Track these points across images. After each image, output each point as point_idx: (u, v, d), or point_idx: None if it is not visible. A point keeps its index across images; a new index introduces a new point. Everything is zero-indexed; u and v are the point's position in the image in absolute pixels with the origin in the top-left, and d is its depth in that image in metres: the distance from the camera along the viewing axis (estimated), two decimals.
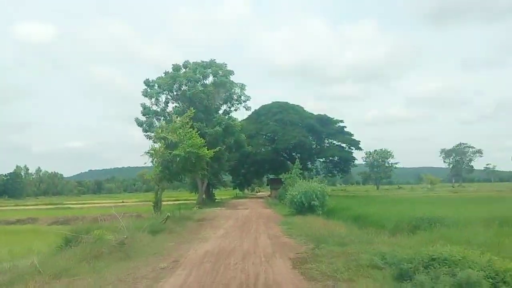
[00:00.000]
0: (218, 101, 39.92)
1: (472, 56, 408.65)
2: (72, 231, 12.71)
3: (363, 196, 59.94)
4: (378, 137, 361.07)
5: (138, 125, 37.49)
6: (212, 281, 8.46)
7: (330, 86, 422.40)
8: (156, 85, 38.39)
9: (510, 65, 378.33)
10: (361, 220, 20.92)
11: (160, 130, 23.15)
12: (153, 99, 38.09)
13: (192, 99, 36.80)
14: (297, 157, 64.36)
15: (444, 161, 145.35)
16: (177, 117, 27.69)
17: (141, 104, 38.47)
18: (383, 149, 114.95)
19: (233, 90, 39.69)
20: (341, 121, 62.62)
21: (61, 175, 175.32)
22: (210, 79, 39.18)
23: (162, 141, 22.49)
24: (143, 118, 37.97)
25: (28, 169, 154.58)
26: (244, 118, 44.91)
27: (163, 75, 38.92)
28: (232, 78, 40.35)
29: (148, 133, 38.38)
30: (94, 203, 74.12)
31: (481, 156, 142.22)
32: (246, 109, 40.99)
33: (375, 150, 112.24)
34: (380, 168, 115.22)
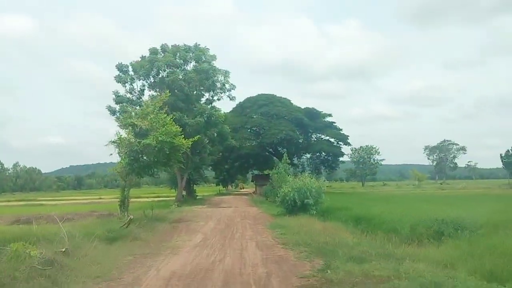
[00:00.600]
0: (200, 89, 36.18)
1: (453, 56, 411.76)
2: None
3: (351, 193, 56.95)
4: (361, 134, 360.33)
5: (111, 113, 33.49)
6: None
7: (314, 84, 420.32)
8: (130, 69, 34.48)
9: (490, 65, 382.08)
10: (364, 222, 17.56)
11: (127, 115, 19.37)
12: (127, 86, 34.18)
13: (171, 86, 33.01)
14: (283, 152, 61.24)
15: (428, 158, 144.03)
16: (149, 99, 24.04)
17: (113, 91, 34.52)
18: (369, 146, 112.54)
19: (216, 78, 35.98)
20: (330, 115, 59.57)
21: (39, 170, 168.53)
22: (191, 65, 35.41)
23: (130, 128, 18.75)
24: (116, 107, 33.98)
25: (3, 164, 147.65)
26: (228, 111, 41.03)
27: (139, 59, 35.03)
28: (215, 64, 36.65)
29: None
30: (70, 200, 69.66)
31: (464, 153, 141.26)
32: (231, 99, 37.43)
33: (361, 147, 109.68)
34: (366, 165, 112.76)
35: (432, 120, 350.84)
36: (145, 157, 18.83)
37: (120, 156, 18.78)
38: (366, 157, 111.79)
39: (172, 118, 19.94)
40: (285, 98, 59.02)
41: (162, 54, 34.78)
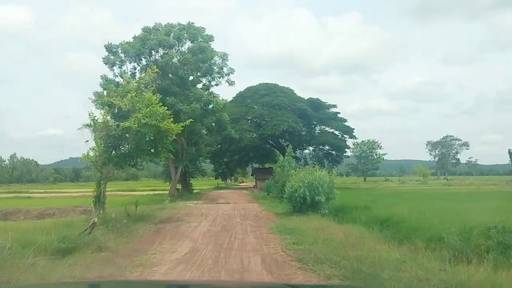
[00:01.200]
0: (196, 75, 32.64)
1: (453, 52, 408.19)
2: None
3: (355, 188, 53.49)
4: (361, 129, 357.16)
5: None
6: None
7: (314, 78, 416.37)
8: (120, 50, 30.92)
9: (490, 61, 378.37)
10: (392, 226, 14.12)
11: (104, 93, 15.83)
12: (115, 69, 30.66)
13: (164, 68, 29.49)
14: (285, 144, 57.77)
15: (430, 154, 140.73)
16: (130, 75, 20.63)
17: (101, 75, 30.97)
18: (371, 140, 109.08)
19: (213, 61, 32.42)
20: (335, 106, 56.03)
21: (36, 162, 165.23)
22: (186, 46, 31.83)
23: (107, 108, 15.27)
24: (104, 92, 30.38)
25: (1, 156, 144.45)
26: (228, 100, 37.17)
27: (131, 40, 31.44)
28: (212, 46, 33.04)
29: None
30: (63, 192, 66.22)
31: (467, 149, 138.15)
32: (229, 84, 33.82)
33: (362, 141, 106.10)
34: (368, 160, 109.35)
35: (431, 115, 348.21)
36: (125, 144, 15.38)
37: (96, 142, 15.30)
38: (368, 151, 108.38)
39: (158, 99, 16.36)
40: (288, 88, 55.53)
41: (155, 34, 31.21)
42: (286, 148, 58.17)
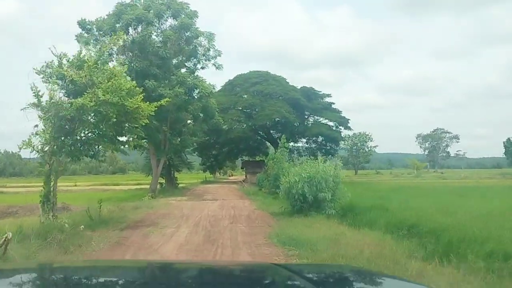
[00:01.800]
0: (180, 57, 29.03)
1: (443, 46, 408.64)
2: None
3: (349, 182, 50.46)
4: (352, 123, 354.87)
5: None
6: None
7: (305, 72, 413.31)
8: (95, 28, 27.16)
9: (480, 55, 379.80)
10: (424, 234, 10.83)
11: (56, 64, 12.20)
12: (90, 48, 26.74)
13: (142, 47, 25.89)
14: (276, 136, 54.42)
15: (421, 147, 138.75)
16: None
17: (75, 56, 27.08)
18: (362, 133, 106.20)
19: (198, 41, 28.84)
20: (329, 96, 52.71)
21: (19, 155, 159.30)
22: (168, 24, 28.18)
23: (58, 82, 11.68)
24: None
25: None
26: (215, 85, 33.32)
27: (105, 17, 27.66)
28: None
29: None
30: (41, 186, 62.25)
31: (457, 142, 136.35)
32: (217, 68, 30.17)
33: (354, 133, 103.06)
34: (359, 152, 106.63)
35: (421, 109, 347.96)
36: (79, 127, 11.83)
37: (44, 126, 11.72)
38: (359, 144, 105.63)
39: (124, 71, 12.85)
40: (280, 76, 52.01)
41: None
42: (277, 140, 54.85)
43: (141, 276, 2.23)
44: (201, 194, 31.02)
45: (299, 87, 51.78)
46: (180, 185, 43.25)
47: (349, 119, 51.64)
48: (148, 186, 39.09)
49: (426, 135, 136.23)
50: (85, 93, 11.20)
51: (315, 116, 51.99)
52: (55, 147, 11.51)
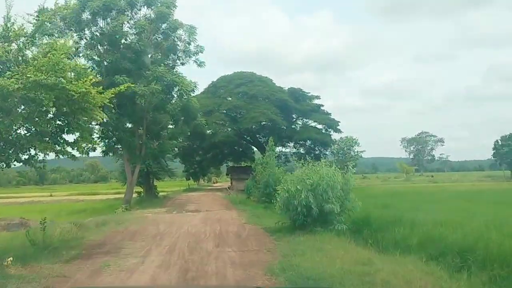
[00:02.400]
0: (156, 49, 25.74)
1: (423, 50, 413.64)
2: None
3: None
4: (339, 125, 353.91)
5: None
6: None
7: (288, 76, 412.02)
8: (59, 19, 23.60)
9: (459, 58, 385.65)
10: (490, 266, 7.70)
11: None
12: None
13: (114, 40, 22.56)
14: (263, 140, 51.26)
15: (406, 150, 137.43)
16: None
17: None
18: (349, 137, 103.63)
19: (177, 34, 25.64)
20: (317, 97, 49.88)
21: None
22: (142, 13, 24.84)
23: None
24: None
25: None
26: (197, 83, 29.50)
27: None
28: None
29: None
30: (14, 197, 57.63)
31: (442, 145, 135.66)
32: (199, 65, 26.96)
33: (340, 138, 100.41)
34: (346, 157, 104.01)
35: (403, 113, 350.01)
36: (9, 124, 8.45)
37: None
38: (346, 148, 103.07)
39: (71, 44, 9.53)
40: (266, 77, 49.02)
41: None
42: (264, 144, 51.80)
43: None
44: (182, 204, 27.59)
45: (286, 88, 48.85)
46: (161, 193, 39.69)
47: (339, 121, 48.91)
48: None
49: (411, 139, 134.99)
50: (8, 71, 7.85)
51: (304, 119, 49.08)
52: None
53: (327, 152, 54.69)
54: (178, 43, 26.40)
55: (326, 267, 7.52)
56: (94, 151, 25.68)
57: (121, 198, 36.38)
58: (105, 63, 23.71)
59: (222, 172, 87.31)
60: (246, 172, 47.54)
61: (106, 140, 24.90)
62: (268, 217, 17.90)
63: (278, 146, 49.19)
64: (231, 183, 50.16)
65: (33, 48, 8.71)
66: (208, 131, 45.31)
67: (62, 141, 9.55)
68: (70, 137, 9.90)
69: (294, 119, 50.17)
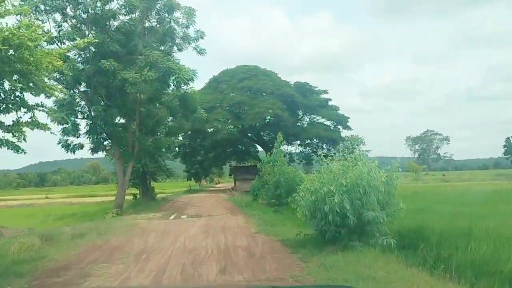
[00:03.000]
0: (150, 34, 22.69)
1: (424, 50, 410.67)
2: None
3: None
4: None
5: None
6: None
7: (289, 77, 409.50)
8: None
9: (460, 58, 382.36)
10: None
11: None
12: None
13: (99, 18, 19.49)
14: (267, 138, 48.16)
15: (411, 149, 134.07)
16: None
17: None
18: (354, 135, 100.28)
19: (174, 17, 22.60)
20: (325, 92, 46.65)
21: None
22: None
23: None
24: None
25: None
26: (197, 71, 25.89)
27: None
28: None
29: None
30: (7, 199, 54.66)
31: (447, 143, 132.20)
32: (199, 52, 23.81)
33: (346, 136, 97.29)
34: (352, 156, 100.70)
35: (403, 113, 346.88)
36: None
37: None
38: (351, 147, 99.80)
39: None
40: (271, 71, 45.84)
41: None
42: (268, 143, 48.68)
43: None
44: (182, 208, 24.49)
45: (292, 83, 45.69)
46: (160, 195, 36.61)
47: (348, 117, 45.65)
48: (126, 198, 31.91)
49: (416, 137, 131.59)
50: None
51: (311, 115, 45.87)
52: None
53: (336, 150, 51.72)
54: (175, 27, 23.33)
55: None
56: (82, 148, 22.85)
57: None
58: (92, 48, 20.64)
59: (225, 173, 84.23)
60: (251, 172, 44.40)
61: (95, 136, 21.77)
62: (282, 224, 14.85)
63: (283, 145, 46.13)
64: (235, 183, 47.05)
65: None
66: (209, 129, 42.27)
67: None
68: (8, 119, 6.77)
69: (301, 116, 47.01)
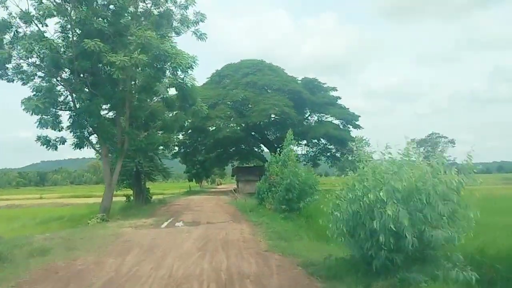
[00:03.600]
0: (145, 17, 19.81)
1: (428, 51, 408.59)
2: None
3: None
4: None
5: None
6: None
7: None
8: None
9: (464, 60, 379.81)
10: None
11: None
12: (9, 5, 17.48)
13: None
14: (272, 138, 45.20)
15: (415, 152, 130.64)
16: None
17: None
18: (358, 137, 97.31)
19: None
20: (334, 89, 43.68)
21: None
22: None
23: None
24: None
25: None
26: (196, 57, 22.36)
27: None
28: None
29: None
30: (1, 199, 51.89)
31: (453, 146, 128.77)
32: (199, 37, 20.87)
33: (356, 136, 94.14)
34: (356, 157, 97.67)
35: (407, 115, 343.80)
36: None
37: None
38: (356, 149, 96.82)
39: None
40: (277, 66, 42.93)
41: None
42: (273, 142, 45.75)
43: None
44: (178, 212, 21.53)
45: (299, 79, 42.74)
46: (157, 197, 33.66)
47: (359, 116, 42.63)
48: (124, 198, 29.10)
49: (421, 140, 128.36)
50: None
51: (320, 113, 42.87)
52: None
53: (346, 151, 48.84)
54: (173, 8, 20.44)
55: None
56: (63, 143, 19.89)
57: (113, 202, 30.20)
58: (77, 30, 17.80)
59: (227, 173, 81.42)
60: (254, 173, 41.46)
61: (78, 130, 18.85)
62: (298, 237, 11.94)
63: (294, 144, 43.12)
64: (237, 185, 44.15)
65: None
66: (211, 128, 39.38)
67: None
68: None
69: (308, 114, 44.07)
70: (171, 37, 20.33)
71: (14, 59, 17.75)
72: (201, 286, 6.61)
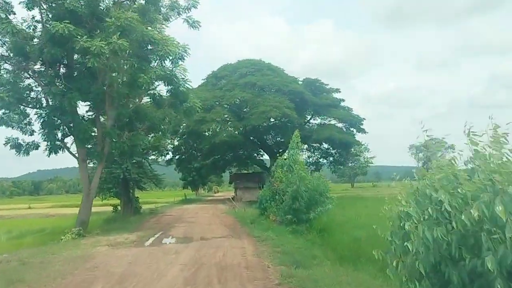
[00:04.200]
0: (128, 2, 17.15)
1: (426, 57, 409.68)
2: None
3: (360, 198, 38.69)
4: None
5: None
6: None
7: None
8: None
9: (462, 66, 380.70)
10: None
11: None
12: None
13: None
14: (272, 142, 42.50)
15: (414, 158, 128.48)
16: None
17: None
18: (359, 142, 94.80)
19: None
20: (337, 90, 41.07)
21: None
22: None
23: None
24: None
25: None
26: (188, 46, 19.35)
27: None
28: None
29: None
30: None
31: (453, 151, 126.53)
32: (191, 25, 18.21)
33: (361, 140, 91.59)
34: (356, 163, 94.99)
35: (405, 121, 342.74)
36: None
37: None
38: (356, 155, 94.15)
39: None
40: (277, 66, 40.29)
41: None
42: (272, 147, 43.05)
43: None
44: (169, 225, 18.69)
45: (301, 79, 40.13)
46: (149, 206, 30.72)
47: (364, 118, 39.99)
48: (106, 209, 26.38)
49: (420, 145, 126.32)
50: None
51: (322, 116, 40.20)
52: None
53: (350, 155, 46.19)
54: None
55: None
56: (37, 149, 17.13)
57: (100, 212, 27.49)
58: (49, 14, 15.13)
59: (225, 181, 78.59)
60: (253, 180, 38.71)
61: (49, 131, 16.04)
62: (316, 261, 9.16)
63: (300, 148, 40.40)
64: (236, 193, 41.29)
65: None
66: (207, 132, 36.62)
67: None
68: None
69: (310, 117, 41.43)
70: (161, 24, 17.53)
71: None
72: None
